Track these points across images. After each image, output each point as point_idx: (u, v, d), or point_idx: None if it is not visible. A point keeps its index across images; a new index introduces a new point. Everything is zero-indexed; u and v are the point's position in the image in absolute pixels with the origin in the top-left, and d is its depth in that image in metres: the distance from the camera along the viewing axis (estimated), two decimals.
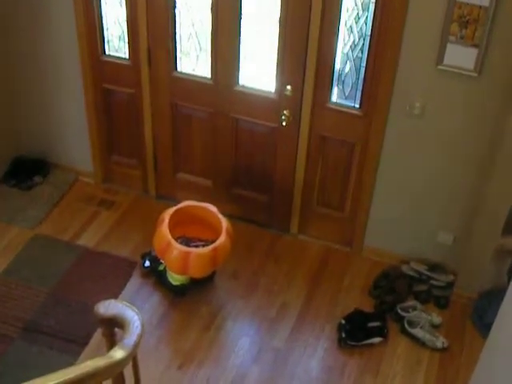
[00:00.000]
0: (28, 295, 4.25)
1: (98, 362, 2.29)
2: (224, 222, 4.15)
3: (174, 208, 4.22)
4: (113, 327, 2.62)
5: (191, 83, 4.46)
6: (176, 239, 4.06)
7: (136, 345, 2.42)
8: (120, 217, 4.90)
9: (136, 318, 2.51)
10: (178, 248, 4.00)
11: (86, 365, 2.29)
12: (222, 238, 4.06)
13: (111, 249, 4.62)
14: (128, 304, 2.62)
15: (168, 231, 4.03)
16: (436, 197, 4.24)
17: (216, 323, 4.17)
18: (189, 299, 4.29)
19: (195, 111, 4.56)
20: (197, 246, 4.17)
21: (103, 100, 4.74)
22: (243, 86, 4.34)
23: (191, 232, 4.32)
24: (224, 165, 4.71)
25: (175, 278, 4.23)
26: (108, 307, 2.60)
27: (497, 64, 3.62)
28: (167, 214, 4.14)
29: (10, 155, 5.18)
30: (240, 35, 4.15)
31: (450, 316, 4.29)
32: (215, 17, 4.12)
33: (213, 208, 4.26)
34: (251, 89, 4.34)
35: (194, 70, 4.44)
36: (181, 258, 3.99)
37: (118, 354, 2.32)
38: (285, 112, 4.25)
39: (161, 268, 4.34)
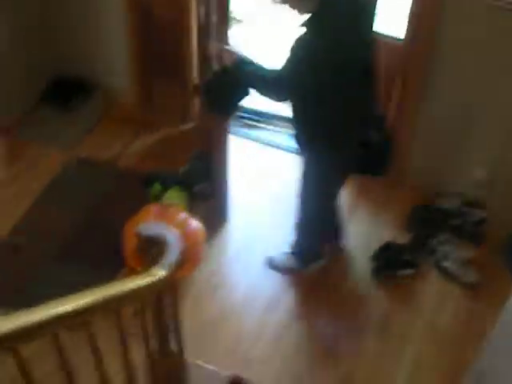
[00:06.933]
0: (66, 216, 4.25)
1: (139, 280, 2.29)
2: None
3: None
4: (152, 248, 2.60)
5: None
6: None
7: (176, 265, 2.40)
8: (160, 138, 4.88)
9: (175, 239, 2.52)
10: None
11: (127, 281, 2.31)
12: None
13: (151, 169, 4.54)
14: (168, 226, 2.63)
15: None
16: (473, 132, 4.18)
17: None
18: None
19: None
20: None
21: (145, 22, 4.64)
22: None
23: None
24: None
25: None
26: (148, 228, 2.63)
27: None
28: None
29: (49, 73, 5.10)
30: None
31: (483, 252, 4.26)
32: None
33: None
34: None
35: None
36: None
37: (159, 272, 2.32)
38: None
39: None
